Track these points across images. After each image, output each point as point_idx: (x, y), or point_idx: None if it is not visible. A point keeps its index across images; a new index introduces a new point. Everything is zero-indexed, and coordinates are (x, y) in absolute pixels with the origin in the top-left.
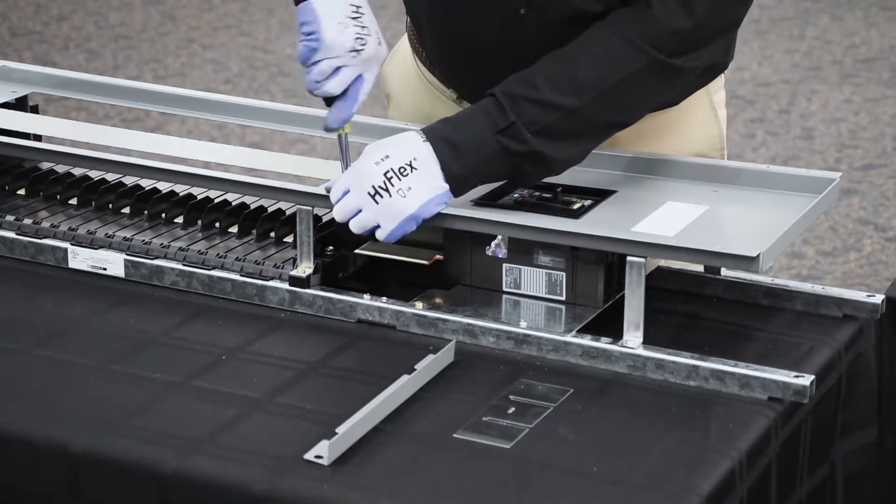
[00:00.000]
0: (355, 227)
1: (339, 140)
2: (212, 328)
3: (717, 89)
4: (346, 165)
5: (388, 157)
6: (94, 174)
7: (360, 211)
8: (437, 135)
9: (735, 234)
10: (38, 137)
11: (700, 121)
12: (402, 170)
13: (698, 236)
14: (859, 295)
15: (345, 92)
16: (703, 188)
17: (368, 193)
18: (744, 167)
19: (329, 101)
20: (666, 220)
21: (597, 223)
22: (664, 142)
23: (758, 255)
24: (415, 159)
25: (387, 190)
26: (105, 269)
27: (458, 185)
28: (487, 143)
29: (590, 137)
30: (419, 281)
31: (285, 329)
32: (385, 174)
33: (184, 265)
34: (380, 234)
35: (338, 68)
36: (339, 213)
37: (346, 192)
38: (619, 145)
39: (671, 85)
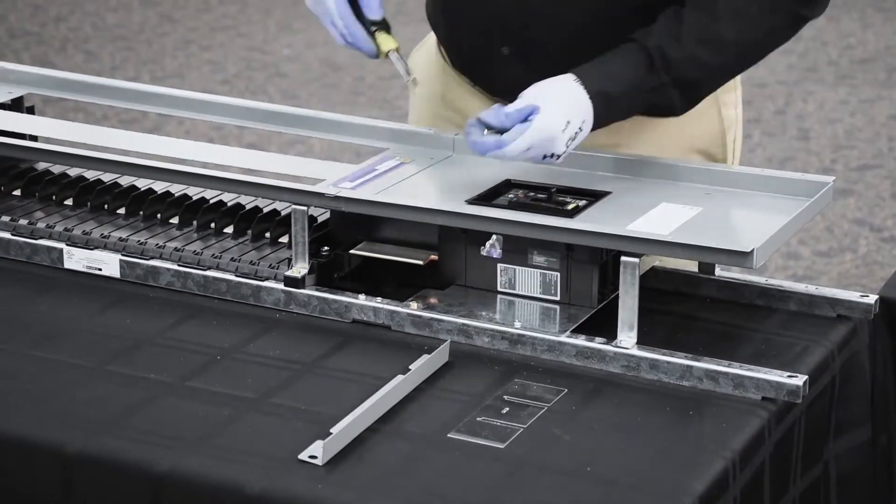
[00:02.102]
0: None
1: (392, 57)
2: (207, 328)
3: (724, 90)
4: (408, 74)
5: (569, 123)
6: (90, 175)
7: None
8: (595, 87)
9: (729, 232)
10: (33, 138)
11: (700, 115)
12: (576, 134)
13: (692, 234)
14: (853, 295)
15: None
16: (697, 190)
17: (546, 154)
18: (737, 170)
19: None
20: (660, 219)
21: (591, 223)
22: (662, 133)
23: (752, 251)
24: (584, 122)
25: (562, 154)
26: (100, 269)
27: (605, 122)
28: (637, 98)
29: (718, 85)
30: (414, 281)
31: (280, 329)
32: (566, 143)
33: (179, 266)
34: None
35: None
36: (510, 157)
37: (526, 149)
38: (616, 134)
39: (796, 33)
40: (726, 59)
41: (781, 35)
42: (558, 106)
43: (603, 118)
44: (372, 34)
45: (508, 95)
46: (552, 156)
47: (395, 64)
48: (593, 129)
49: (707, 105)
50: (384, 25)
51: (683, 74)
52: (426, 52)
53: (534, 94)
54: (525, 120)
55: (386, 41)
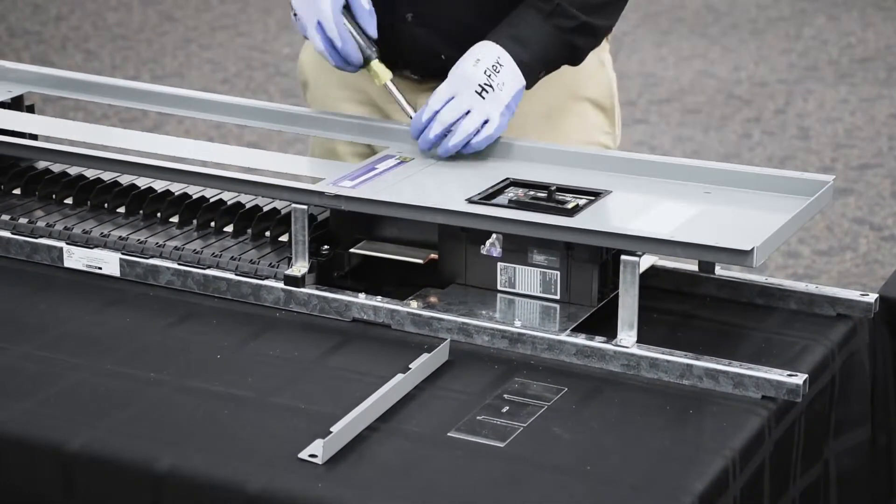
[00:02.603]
0: (469, 126)
1: (389, 88)
2: (207, 327)
3: (602, 49)
4: (411, 107)
5: (479, 59)
6: (90, 174)
7: (469, 111)
8: (503, 34)
9: (729, 231)
10: (33, 137)
11: (589, 70)
12: (494, 67)
13: (692, 233)
14: (853, 294)
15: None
16: (697, 189)
17: (476, 92)
18: (737, 169)
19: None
20: (660, 218)
21: (591, 221)
22: (561, 83)
23: (752, 249)
24: (499, 58)
25: (490, 86)
26: (100, 268)
27: (529, 74)
28: (543, 27)
29: (613, 18)
30: (414, 280)
31: (280, 328)
32: (485, 72)
33: (179, 264)
34: (489, 129)
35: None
36: (446, 118)
37: (450, 99)
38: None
39: None
40: None
41: None
42: (464, 57)
43: (522, 55)
44: (367, 60)
45: (415, 62)
46: (482, 91)
47: (394, 94)
48: (523, 71)
49: (593, 62)
50: (376, 49)
51: (579, 12)
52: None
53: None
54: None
55: (384, 70)
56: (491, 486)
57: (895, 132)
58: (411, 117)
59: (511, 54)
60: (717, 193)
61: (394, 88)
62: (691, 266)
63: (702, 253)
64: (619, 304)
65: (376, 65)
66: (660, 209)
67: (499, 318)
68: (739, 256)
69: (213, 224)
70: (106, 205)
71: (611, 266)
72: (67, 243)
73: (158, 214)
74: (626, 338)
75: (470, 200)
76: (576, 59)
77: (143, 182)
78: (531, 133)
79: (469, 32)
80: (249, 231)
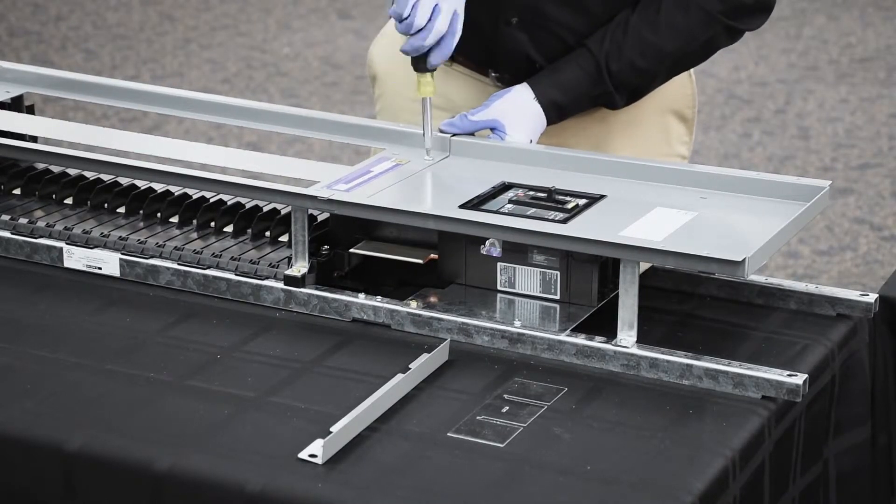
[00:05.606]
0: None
1: (424, 103)
2: (206, 327)
3: None
4: (429, 130)
5: (532, 141)
6: (90, 174)
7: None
8: (547, 98)
9: (722, 239)
10: (33, 138)
11: (677, 81)
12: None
13: (685, 241)
14: (853, 294)
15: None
16: (692, 194)
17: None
18: (734, 174)
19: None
20: (654, 224)
21: (586, 227)
22: (648, 96)
23: (743, 260)
24: (540, 133)
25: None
26: (100, 268)
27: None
28: (585, 103)
29: (658, 85)
30: (414, 280)
31: (280, 328)
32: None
33: (179, 264)
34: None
35: (435, 6)
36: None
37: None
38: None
39: (736, 41)
40: (665, 68)
41: (719, 44)
42: (524, 126)
43: (554, 122)
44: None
45: (507, 65)
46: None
47: (426, 111)
48: (553, 123)
49: (682, 74)
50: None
51: (625, 82)
52: (390, 46)
53: (499, 110)
54: (493, 130)
55: (429, 85)
56: (491, 486)
57: (895, 132)
58: (424, 139)
59: (548, 119)
60: (712, 198)
61: (429, 107)
62: None
63: (693, 263)
64: (619, 304)
65: (425, 78)
66: (654, 214)
67: (499, 318)
68: (731, 267)
69: (213, 224)
70: (106, 205)
71: (611, 266)
72: (67, 243)
73: (158, 214)
74: (626, 338)
75: (463, 206)
76: (613, 107)
77: (143, 182)
78: (613, 145)
79: (573, 41)
80: (249, 231)
